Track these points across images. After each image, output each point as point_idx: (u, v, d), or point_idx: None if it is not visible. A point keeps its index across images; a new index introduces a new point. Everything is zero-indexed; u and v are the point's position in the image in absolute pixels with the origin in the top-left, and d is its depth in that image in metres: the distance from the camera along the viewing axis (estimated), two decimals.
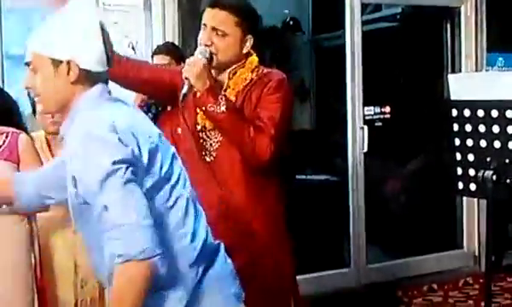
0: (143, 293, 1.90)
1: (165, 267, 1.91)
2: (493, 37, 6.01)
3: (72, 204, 2.09)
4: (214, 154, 2.94)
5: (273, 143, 2.83)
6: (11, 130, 3.43)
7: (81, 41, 2.02)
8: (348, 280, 5.60)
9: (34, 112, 3.94)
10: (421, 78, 6.15)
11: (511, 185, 3.15)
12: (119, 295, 1.92)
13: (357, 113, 5.60)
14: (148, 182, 1.98)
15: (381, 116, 5.81)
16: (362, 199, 5.64)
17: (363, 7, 5.73)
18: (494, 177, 3.15)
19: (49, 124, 3.82)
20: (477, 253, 6.09)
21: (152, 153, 2.00)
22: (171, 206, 2.03)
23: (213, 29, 2.88)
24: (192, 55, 2.90)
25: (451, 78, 3.65)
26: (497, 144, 3.18)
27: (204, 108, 2.85)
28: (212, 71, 2.91)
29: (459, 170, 3.36)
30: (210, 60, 2.86)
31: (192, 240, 2.05)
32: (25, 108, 3.98)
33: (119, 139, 1.93)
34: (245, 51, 2.94)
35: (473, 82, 3.62)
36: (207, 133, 2.95)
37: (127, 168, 1.91)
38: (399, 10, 6.33)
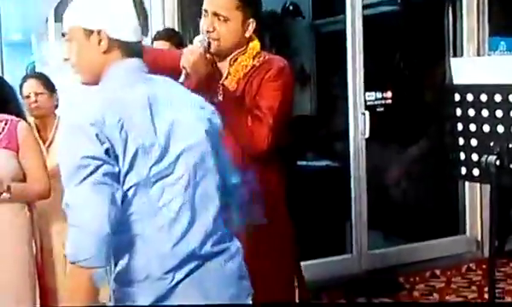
0: (88, 297, 1.88)
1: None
2: (495, 20, 5.97)
3: None
4: None
5: (271, 133, 2.80)
6: (10, 117, 3.43)
7: (111, 10, 2.00)
8: (350, 266, 5.59)
9: None
10: (422, 62, 6.12)
11: None
12: (68, 294, 1.95)
13: (359, 99, 5.58)
14: (132, 180, 1.92)
15: (383, 101, 5.79)
16: (363, 184, 5.62)
17: None
18: (497, 162, 3.13)
19: (33, 107, 3.84)
20: (480, 239, 6.08)
21: (142, 151, 1.91)
22: (161, 207, 1.96)
23: (215, 14, 2.84)
24: (191, 40, 2.88)
25: (454, 62, 3.63)
26: (500, 129, 3.16)
27: None
28: (215, 58, 2.88)
29: (462, 156, 3.33)
30: (208, 47, 2.82)
31: (174, 246, 1.97)
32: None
33: (97, 135, 1.86)
34: (247, 35, 2.91)
35: (476, 66, 3.59)
36: None
37: (97, 167, 1.85)
38: None
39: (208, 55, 2.80)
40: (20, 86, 4.00)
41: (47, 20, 5.47)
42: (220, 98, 2.78)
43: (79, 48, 2.03)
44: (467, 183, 5.98)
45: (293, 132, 3.14)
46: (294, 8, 6.37)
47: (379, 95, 5.76)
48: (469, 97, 3.25)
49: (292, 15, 6.44)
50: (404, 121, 5.94)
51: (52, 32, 5.43)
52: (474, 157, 3.28)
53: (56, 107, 4.06)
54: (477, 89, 3.21)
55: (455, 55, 5.99)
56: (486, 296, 4.32)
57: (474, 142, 3.28)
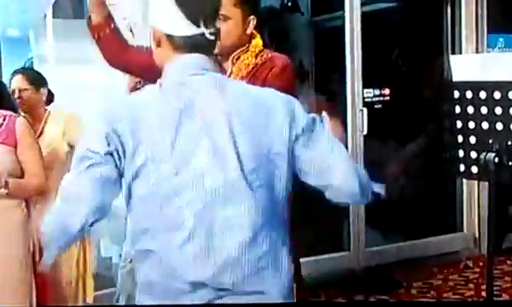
0: None
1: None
2: (494, 17, 5.97)
3: None
4: None
5: None
6: (8, 113, 3.42)
7: (158, 3, 1.94)
8: (347, 263, 5.59)
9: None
10: (421, 59, 6.11)
11: None
12: None
13: (357, 96, 5.58)
14: (141, 189, 1.88)
15: (381, 98, 5.79)
16: None
17: None
18: (496, 160, 3.13)
19: (17, 103, 3.86)
20: (477, 236, 6.08)
21: (152, 163, 1.85)
22: (173, 223, 1.89)
23: None
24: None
25: (453, 59, 3.63)
26: (499, 126, 3.16)
27: None
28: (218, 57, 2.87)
29: (461, 153, 3.34)
30: None
31: (184, 269, 1.88)
32: None
33: (107, 134, 1.84)
34: (248, 32, 2.89)
35: (475, 63, 3.58)
36: None
37: (96, 164, 1.85)
38: None
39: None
40: (9, 82, 4.02)
41: (45, 17, 5.46)
42: None
43: (154, 47, 2.00)
44: (464, 180, 5.98)
45: None
46: (293, 4, 6.35)
47: (377, 91, 5.76)
48: (468, 94, 3.25)
49: (290, 11, 6.42)
50: (402, 118, 5.94)
51: (50, 29, 5.42)
52: (473, 154, 3.28)
53: (48, 101, 4.06)
54: (476, 86, 3.21)
55: (453, 52, 5.98)
56: (484, 293, 4.32)
57: (472, 140, 3.28)
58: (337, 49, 5.61)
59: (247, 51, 2.90)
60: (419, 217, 5.98)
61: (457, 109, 3.32)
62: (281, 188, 1.92)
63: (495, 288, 3.74)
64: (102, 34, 2.83)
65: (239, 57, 2.89)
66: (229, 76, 2.86)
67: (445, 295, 5.23)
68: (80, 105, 4.75)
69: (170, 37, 1.91)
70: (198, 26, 1.89)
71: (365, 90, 5.64)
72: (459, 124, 3.33)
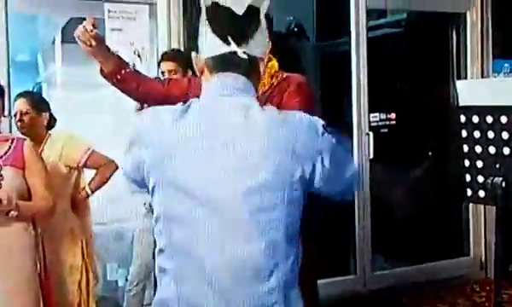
0: None
1: None
2: (499, 42, 6.00)
3: None
4: None
5: None
6: (16, 136, 3.45)
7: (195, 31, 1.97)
8: (354, 286, 5.58)
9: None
10: (426, 84, 6.13)
11: None
12: None
13: (363, 120, 5.60)
14: (156, 209, 1.92)
15: (387, 122, 5.80)
16: (368, 205, 5.63)
17: (368, 13, 5.72)
18: (503, 184, 3.14)
19: (18, 126, 3.94)
20: (484, 260, 6.07)
21: (158, 186, 1.88)
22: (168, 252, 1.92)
23: None
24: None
25: (460, 84, 3.65)
26: (506, 150, 3.17)
27: None
28: None
29: (468, 177, 3.34)
30: None
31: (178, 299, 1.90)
32: None
33: (134, 153, 1.92)
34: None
35: (481, 88, 3.60)
36: None
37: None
38: (404, 16, 6.32)
39: None
40: (13, 104, 4.08)
41: (54, 41, 5.51)
42: None
43: None
44: (471, 204, 5.98)
45: None
46: (299, 29, 6.39)
47: (383, 116, 5.77)
48: (475, 119, 3.26)
49: (296, 36, 6.46)
50: (408, 142, 5.95)
51: (59, 53, 5.47)
52: (480, 179, 3.28)
53: (49, 125, 4.09)
54: (483, 110, 3.22)
55: (459, 77, 6.01)
56: None
57: (479, 164, 3.29)
58: (343, 73, 5.64)
59: (264, 73, 2.93)
60: (426, 241, 5.97)
61: (464, 133, 3.33)
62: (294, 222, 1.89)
63: None
64: (119, 77, 2.96)
65: None
66: None
67: None
68: (88, 128, 4.79)
69: (207, 61, 1.92)
70: (228, 44, 1.88)
71: (371, 115, 5.66)
72: (466, 149, 3.34)
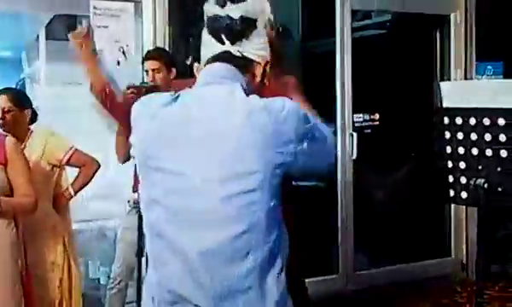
0: None
1: None
2: (482, 45, 6.04)
3: None
4: None
5: None
6: None
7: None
8: (336, 286, 5.59)
9: None
10: (410, 85, 6.16)
11: (502, 193, 3.15)
12: None
13: (347, 120, 5.61)
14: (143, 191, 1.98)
15: (370, 123, 5.82)
16: (350, 205, 5.65)
17: (353, 14, 5.74)
18: (486, 185, 3.16)
19: (1, 123, 3.89)
20: (465, 261, 6.11)
21: (143, 168, 1.95)
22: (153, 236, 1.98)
23: None
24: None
25: (444, 85, 3.66)
26: (488, 152, 3.19)
27: None
28: None
29: (450, 178, 3.37)
30: None
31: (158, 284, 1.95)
32: None
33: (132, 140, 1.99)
34: None
35: (465, 90, 3.63)
36: None
37: None
38: (389, 18, 6.34)
39: None
40: None
41: (38, 38, 5.48)
42: None
43: None
44: (452, 205, 6.01)
45: None
46: (284, 29, 6.40)
47: (367, 116, 5.80)
48: (458, 120, 3.29)
49: (281, 37, 6.47)
50: (391, 143, 5.98)
51: (43, 50, 5.44)
52: (463, 180, 3.31)
53: (31, 121, 4.07)
54: (466, 112, 3.25)
55: (442, 79, 6.04)
56: None
57: (462, 165, 3.31)
58: (327, 74, 5.65)
59: (264, 79, 2.93)
60: (407, 242, 5.99)
61: (447, 135, 3.36)
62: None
63: None
64: (104, 95, 3.83)
65: None
66: None
67: None
68: (71, 125, 4.77)
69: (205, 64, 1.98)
70: (223, 43, 1.93)
71: (355, 115, 5.68)
72: (449, 150, 3.36)
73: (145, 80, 4.16)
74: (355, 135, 5.61)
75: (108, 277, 4.87)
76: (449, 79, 6.02)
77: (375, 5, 6.00)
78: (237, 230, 1.82)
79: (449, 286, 5.86)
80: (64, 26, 6.06)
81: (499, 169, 3.15)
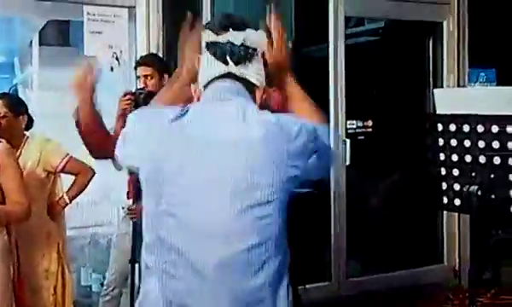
0: None
1: None
2: (475, 52, 6.06)
3: None
4: None
5: None
6: None
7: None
8: (329, 293, 5.58)
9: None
10: (403, 92, 6.17)
11: (496, 200, 3.16)
12: None
13: (340, 127, 5.62)
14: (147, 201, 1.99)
15: (364, 130, 5.83)
16: (343, 211, 5.65)
17: (346, 20, 5.75)
18: (479, 192, 3.17)
19: None
20: (457, 267, 6.11)
21: (149, 180, 1.95)
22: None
23: None
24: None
25: (437, 92, 3.68)
26: (482, 159, 3.20)
27: None
28: None
29: (444, 185, 3.38)
30: None
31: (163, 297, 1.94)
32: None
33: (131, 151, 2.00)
34: None
35: (459, 96, 3.64)
36: None
37: None
38: (382, 25, 6.35)
39: None
40: None
41: (31, 44, 5.47)
42: None
43: None
44: (445, 212, 6.02)
45: None
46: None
47: (360, 123, 5.81)
48: (452, 127, 3.30)
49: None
50: (384, 150, 5.98)
51: (36, 56, 5.42)
52: (456, 187, 3.32)
53: (27, 127, 4.06)
54: (460, 119, 3.25)
55: (435, 86, 6.05)
56: None
57: (455, 172, 3.32)
58: (321, 80, 5.65)
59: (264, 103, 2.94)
60: (400, 248, 6.00)
61: (441, 142, 3.37)
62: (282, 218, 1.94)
63: None
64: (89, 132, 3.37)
65: None
66: None
67: None
68: (64, 131, 4.76)
69: (204, 87, 2.02)
70: (226, 64, 1.99)
71: (348, 122, 5.69)
72: (442, 157, 3.37)
73: (138, 86, 4.15)
74: (348, 141, 5.61)
75: (101, 285, 4.85)
76: (442, 86, 6.03)
77: (369, 12, 6.02)
78: (252, 243, 1.86)
79: (441, 293, 5.86)
80: (57, 32, 6.06)
81: (492, 176, 3.16)
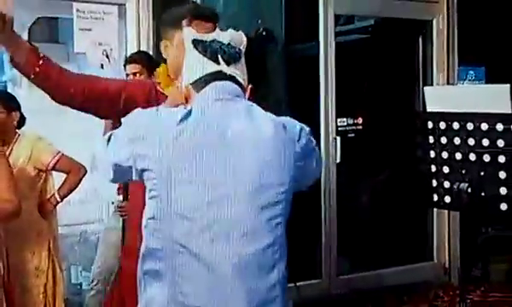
0: None
1: None
2: (465, 50, 6.08)
3: None
4: None
5: None
6: None
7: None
8: (319, 291, 5.59)
9: None
10: (393, 90, 6.18)
11: (485, 198, 3.17)
12: None
13: (330, 124, 5.62)
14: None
15: (354, 127, 5.84)
16: (334, 209, 5.65)
17: (336, 18, 5.76)
18: (469, 190, 3.18)
19: None
20: (447, 265, 6.13)
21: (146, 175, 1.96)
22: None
23: None
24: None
25: (427, 90, 3.68)
26: (472, 157, 3.21)
27: None
28: None
29: (434, 183, 3.38)
30: None
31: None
32: None
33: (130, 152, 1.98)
34: None
35: (449, 94, 3.65)
36: None
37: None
38: (372, 23, 6.36)
39: None
40: None
41: None
42: None
43: None
44: (435, 209, 6.04)
45: None
46: (267, 32, 6.40)
47: (350, 120, 5.82)
48: (442, 125, 3.31)
49: (264, 40, 6.46)
50: (374, 147, 5.99)
51: None
52: (446, 184, 3.32)
53: (19, 124, 4.04)
54: (450, 117, 3.26)
55: (425, 84, 6.07)
56: None
57: (445, 170, 3.33)
58: (311, 78, 5.66)
59: None
60: (390, 246, 6.01)
61: (431, 139, 3.37)
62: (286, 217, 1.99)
63: None
64: (37, 70, 2.54)
65: None
66: None
67: None
68: (54, 128, 4.74)
69: (192, 85, 2.02)
70: (218, 63, 1.99)
71: (339, 119, 5.70)
72: (432, 155, 3.37)
73: None
74: (338, 139, 5.62)
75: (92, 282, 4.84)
76: (431, 84, 6.05)
77: (358, 10, 6.03)
78: (267, 242, 1.89)
79: (431, 291, 5.88)
80: (47, 29, 6.03)
81: (482, 173, 3.17)
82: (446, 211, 5.86)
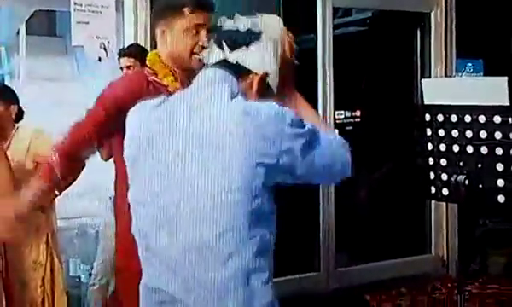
0: None
1: None
2: (462, 42, 6.08)
3: None
4: None
5: None
6: None
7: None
8: (318, 283, 5.60)
9: None
10: (391, 82, 6.18)
11: (483, 190, 3.18)
12: None
13: (328, 117, 5.62)
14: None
15: (352, 120, 5.84)
16: (332, 202, 5.65)
17: (334, 11, 5.75)
18: (467, 182, 3.18)
19: None
20: (445, 258, 6.14)
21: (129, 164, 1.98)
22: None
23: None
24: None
25: (425, 82, 3.67)
26: (469, 149, 3.21)
27: None
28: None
29: (432, 175, 3.38)
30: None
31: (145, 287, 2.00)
32: None
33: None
34: None
35: (446, 87, 3.64)
36: None
37: None
38: (370, 15, 6.35)
39: None
40: None
41: (18, 33, 5.43)
42: None
43: None
44: (433, 202, 6.04)
45: None
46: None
47: (348, 113, 5.81)
48: (440, 117, 3.31)
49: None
50: (372, 140, 5.99)
51: (23, 45, 5.39)
52: (444, 177, 3.33)
53: (17, 118, 4.03)
54: (447, 109, 3.26)
55: (423, 76, 6.06)
56: None
57: (443, 162, 3.33)
58: (309, 70, 5.65)
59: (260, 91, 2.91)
60: (388, 239, 6.01)
61: (428, 132, 3.37)
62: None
63: None
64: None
65: None
66: None
67: None
68: (52, 121, 4.73)
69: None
70: (222, 49, 1.94)
71: (336, 112, 5.69)
72: (430, 147, 3.38)
73: None
74: (336, 132, 5.61)
75: (90, 275, 4.85)
76: (429, 76, 6.04)
77: (356, 2, 6.02)
78: (218, 230, 1.80)
79: (429, 283, 5.89)
80: (44, 22, 6.02)
81: (480, 165, 3.17)
82: (444, 204, 5.87)
